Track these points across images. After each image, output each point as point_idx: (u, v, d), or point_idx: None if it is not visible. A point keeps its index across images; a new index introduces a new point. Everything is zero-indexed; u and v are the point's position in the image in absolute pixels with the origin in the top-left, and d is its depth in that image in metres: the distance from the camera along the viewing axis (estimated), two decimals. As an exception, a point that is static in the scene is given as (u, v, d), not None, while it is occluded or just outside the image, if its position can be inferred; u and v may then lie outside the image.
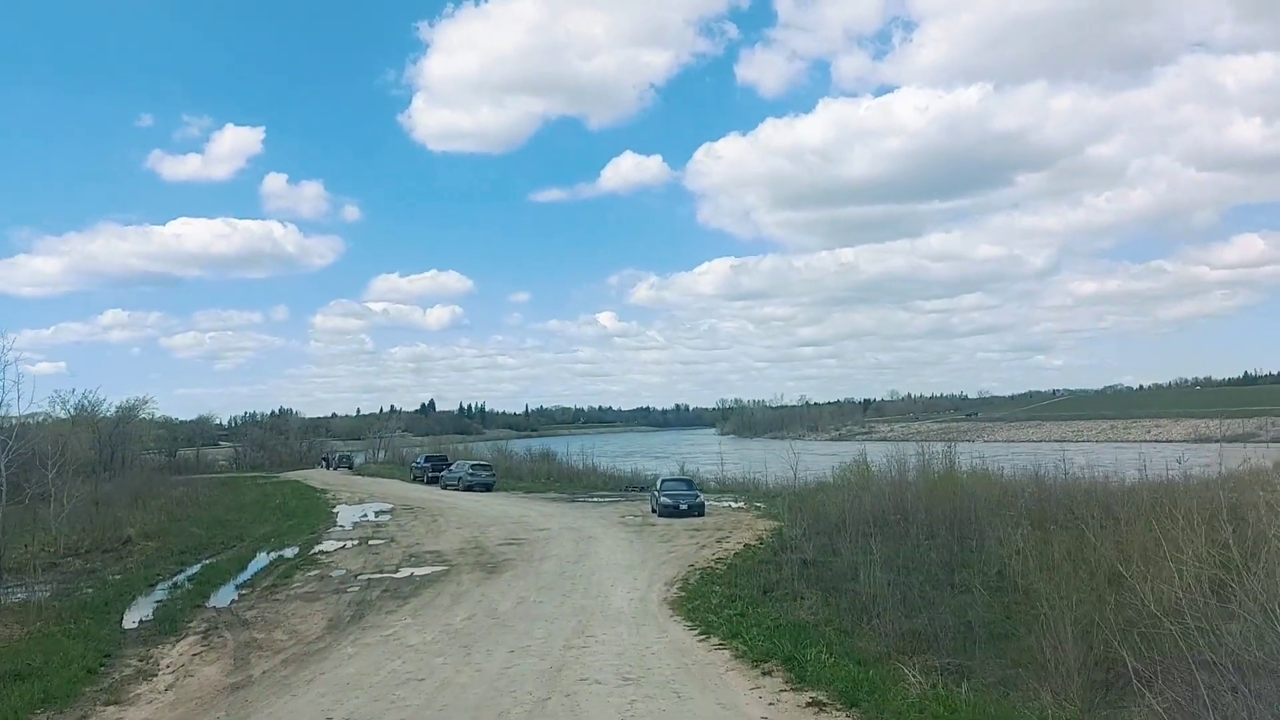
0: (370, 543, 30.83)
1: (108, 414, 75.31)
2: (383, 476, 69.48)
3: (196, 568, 26.72)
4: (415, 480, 60.85)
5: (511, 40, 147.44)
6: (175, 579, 24.89)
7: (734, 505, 39.88)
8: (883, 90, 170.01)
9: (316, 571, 25.25)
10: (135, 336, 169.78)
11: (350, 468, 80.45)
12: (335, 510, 42.63)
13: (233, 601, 21.60)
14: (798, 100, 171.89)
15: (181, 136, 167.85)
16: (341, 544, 30.91)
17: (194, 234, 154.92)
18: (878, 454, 41.00)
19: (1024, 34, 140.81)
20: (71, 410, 71.45)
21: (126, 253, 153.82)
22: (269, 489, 55.31)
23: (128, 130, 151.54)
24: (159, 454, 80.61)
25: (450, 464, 56.53)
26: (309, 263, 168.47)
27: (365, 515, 40.04)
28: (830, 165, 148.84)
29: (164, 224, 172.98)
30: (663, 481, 38.48)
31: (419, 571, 24.73)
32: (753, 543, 27.87)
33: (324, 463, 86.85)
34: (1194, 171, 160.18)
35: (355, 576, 24.19)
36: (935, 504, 26.08)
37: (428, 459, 61.80)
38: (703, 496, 37.51)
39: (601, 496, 47.55)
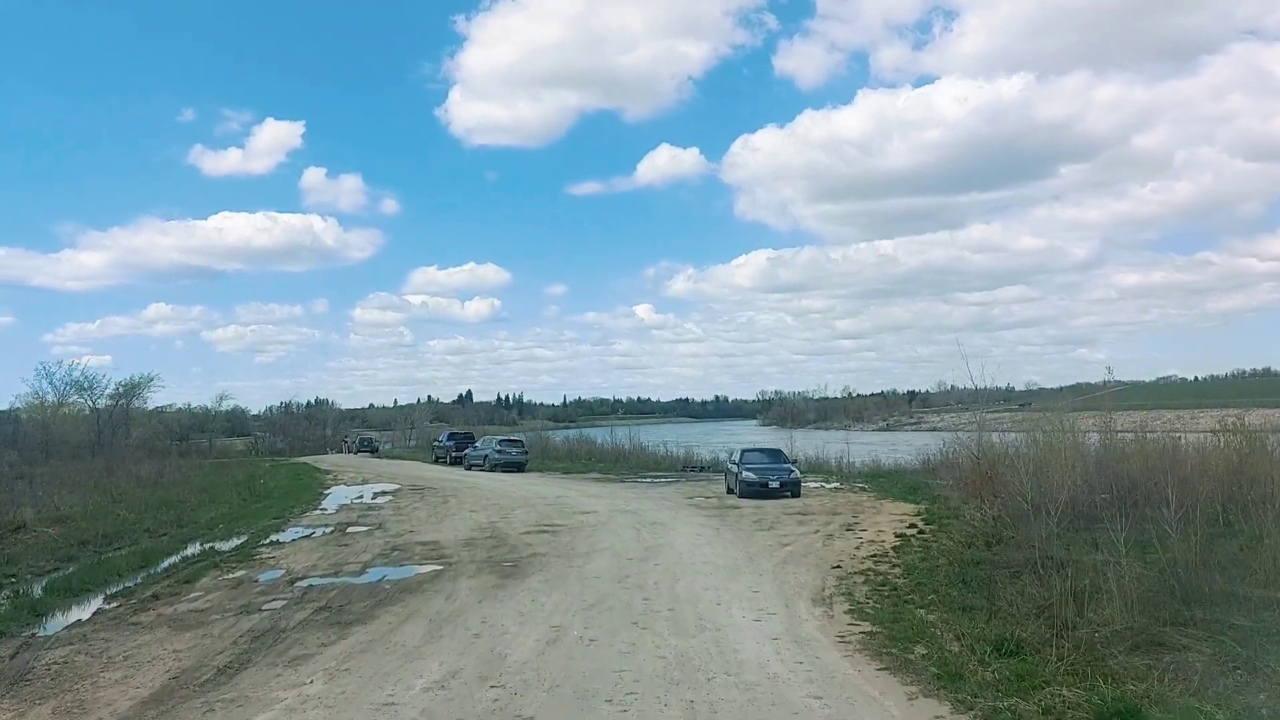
0: (349, 530, 21.22)
1: (106, 395, 66.66)
2: (406, 459, 59.86)
3: (81, 564, 17.38)
4: (438, 461, 51.29)
5: (548, 33, 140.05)
6: (35, 583, 15.57)
7: (828, 486, 29.91)
8: (922, 81, 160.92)
9: (241, 573, 15.71)
10: (178, 330, 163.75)
11: (373, 451, 71.00)
12: (327, 491, 33.06)
13: (73, 625, 12.31)
14: (836, 92, 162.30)
15: (222, 131, 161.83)
16: (309, 532, 21.34)
17: (235, 228, 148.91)
18: (946, 442, 32.10)
19: (1066, 23, 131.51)
20: (57, 392, 62.79)
21: (169, 247, 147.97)
22: (265, 470, 45.91)
23: (170, 126, 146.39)
24: (167, 439, 71.62)
25: (476, 442, 46.71)
26: (348, 256, 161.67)
27: (360, 497, 30.45)
28: (869, 157, 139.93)
29: (205, 218, 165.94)
30: (744, 453, 28.45)
31: (395, 573, 15.07)
32: (905, 530, 17.94)
33: (344, 446, 77.46)
34: (1241, 162, 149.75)
35: (292, 583, 14.54)
36: (1191, 479, 16.00)
37: (450, 436, 51.95)
38: (798, 472, 27.45)
39: (655, 477, 37.66)
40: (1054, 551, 12.17)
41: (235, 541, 20.25)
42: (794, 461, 28.17)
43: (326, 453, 75.71)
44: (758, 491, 26.12)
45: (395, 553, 17.48)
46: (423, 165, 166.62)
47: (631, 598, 12.16)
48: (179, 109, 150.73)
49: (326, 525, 22.49)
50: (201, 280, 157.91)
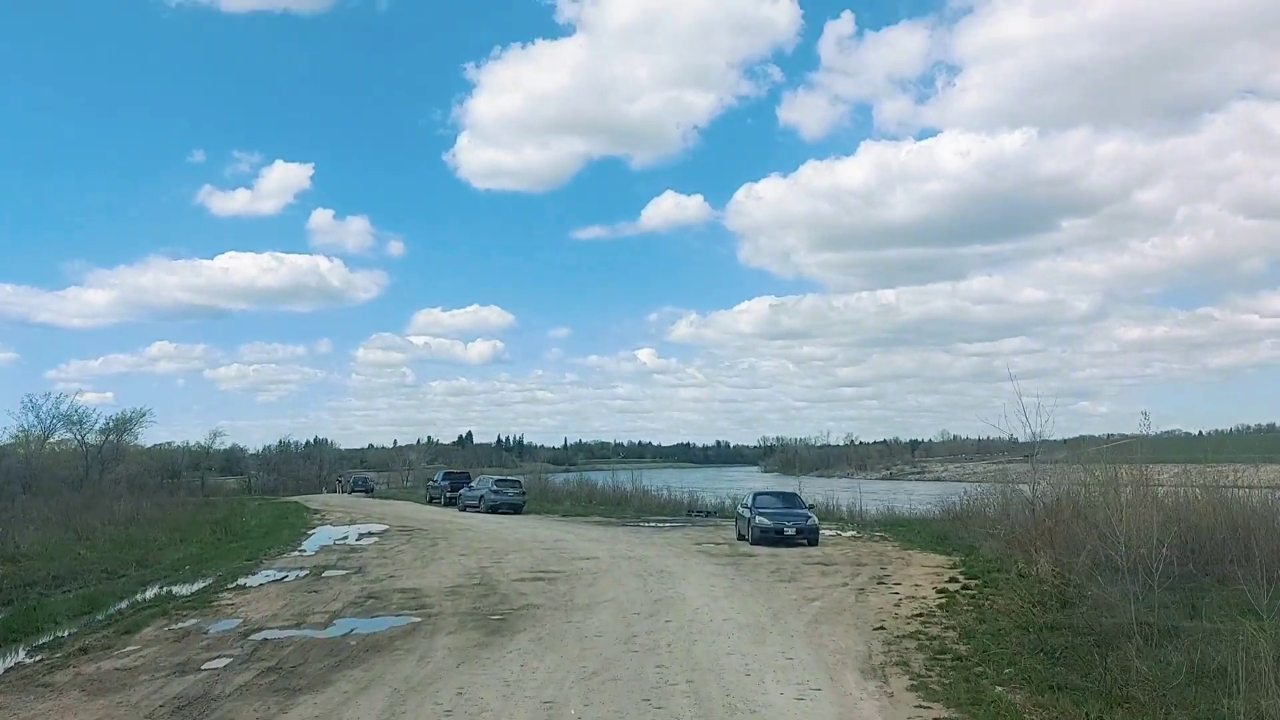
0: (324, 575, 19.08)
1: (95, 430, 64.46)
2: (400, 500, 57.55)
3: (15, 609, 15.38)
4: (432, 501, 48.97)
5: (557, 82, 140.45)
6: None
7: (844, 533, 27.74)
8: (925, 134, 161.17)
9: (191, 622, 13.64)
10: (181, 368, 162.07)
11: (367, 491, 68.58)
12: (311, 531, 30.91)
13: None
14: (839, 143, 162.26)
15: (232, 172, 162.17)
16: (281, 575, 19.22)
17: (241, 268, 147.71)
18: (959, 492, 31.99)
19: (1068, 80, 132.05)
20: (43, 425, 60.54)
21: (175, 285, 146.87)
22: (251, 508, 43.68)
23: (181, 166, 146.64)
24: (158, 476, 69.32)
25: (471, 482, 44.39)
26: (353, 296, 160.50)
27: (345, 538, 28.28)
28: (871, 207, 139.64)
29: (212, 258, 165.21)
30: (756, 496, 26.26)
31: (365, 626, 12.94)
32: (945, 585, 15.81)
33: (338, 486, 75.07)
34: (1243, 219, 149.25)
35: (245, 635, 12.42)
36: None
37: (446, 476, 49.60)
38: (815, 518, 25.27)
39: (660, 521, 35.46)
40: (1152, 617, 10.03)
41: (198, 585, 18.18)
42: (810, 506, 25.99)
43: (321, 492, 73.48)
44: (773, 538, 23.94)
45: (370, 601, 15.34)
46: (430, 208, 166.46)
47: (642, 664, 10.03)
48: (190, 150, 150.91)
49: (301, 568, 20.33)
50: (206, 319, 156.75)
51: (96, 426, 64.44)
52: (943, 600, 14.29)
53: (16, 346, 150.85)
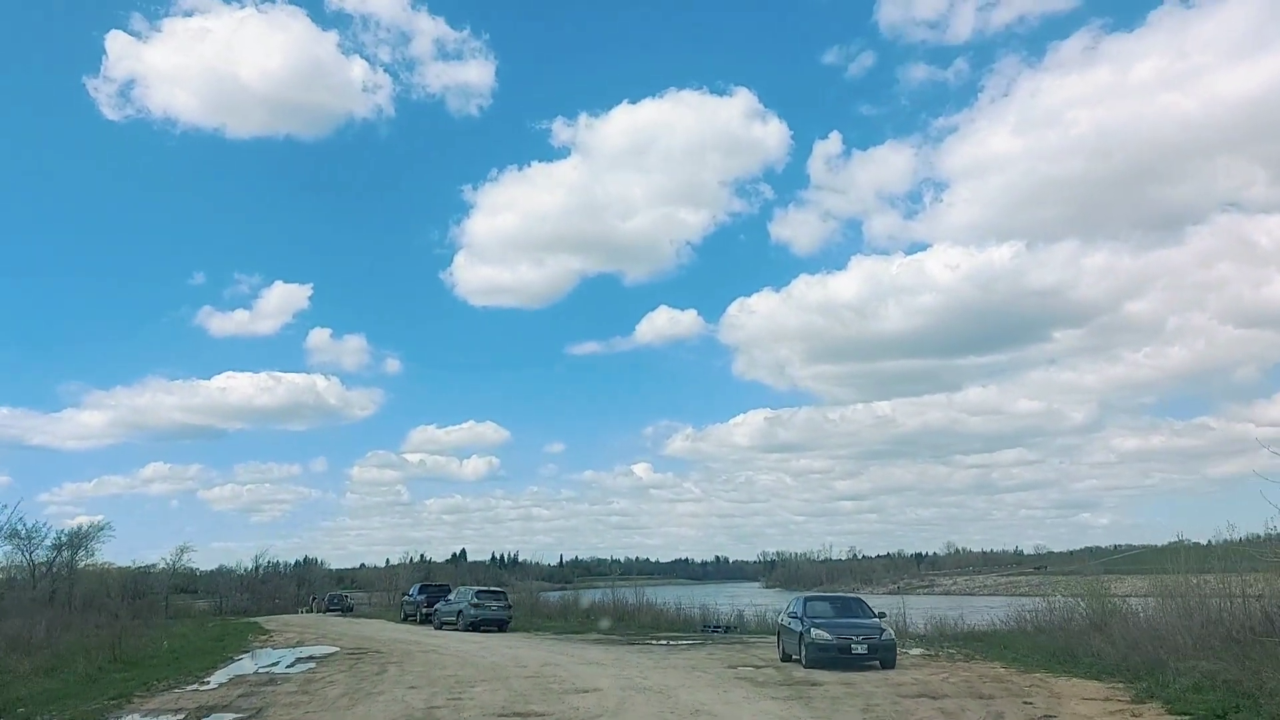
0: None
1: (43, 547, 57.03)
2: (379, 619, 50.10)
3: None
4: (406, 619, 41.79)
5: (552, 201, 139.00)
6: None
7: (911, 651, 21.04)
8: (915, 248, 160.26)
9: None
10: (174, 489, 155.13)
11: (343, 610, 60.98)
12: (238, 657, 24.07)
13: None
14: (830, 257, 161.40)
15: (232, 293, 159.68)
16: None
17: (238, 387, 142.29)
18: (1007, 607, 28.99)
19: (1053, 195, 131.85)
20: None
21: (171, 406, 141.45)
22: (191, 629, 36.45)
23: (181, 287, 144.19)
24: (119, 597, 61.74)
25: (450, 595, 37.39)
26: (350, 414, 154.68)
27: (275, 664, 21.56)
28: (864, 320, 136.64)
29: (210, 378, 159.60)
30: (807, 603, 19.56)
31: None
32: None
33: (314, 605, 67.26)
34: (1232, 328, 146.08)
35: None
36: None
37: (422, 589, 42.29)
38: (891, 631, 18.65)
39: (672, 638, 28.60)
40: None
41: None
42: (880, 615, 19.38)
43: (298, 612, 65.83)
44: (835, 659, 17.38)
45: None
46: (426, 326, 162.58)
47: None
48: (191, 272, 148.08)
49: (177, 712, 13.68)
50: (202, 440, 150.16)
51: (45, 542, 57.09)
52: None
53: (10, 469, 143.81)
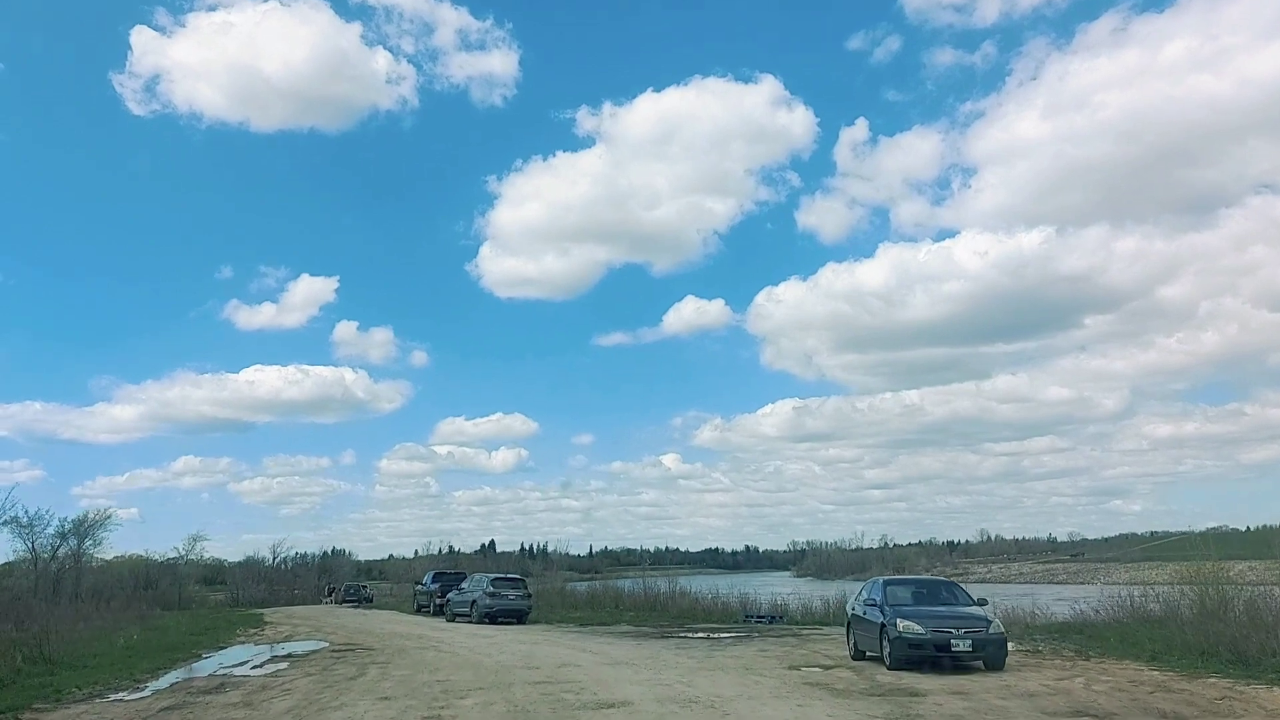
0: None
1: (51, 536, 53.83)
2: (394, 610, 46.36)
3: None
4: (420, 610, 38.02)
5: (577, 192, 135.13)
6: None
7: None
8: (943, 235, 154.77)
9: None
10: (206, 482, 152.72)
11: (360, 601, 57.28)
12: (207, 655, 20.37)
13: None
14: (858, 245, 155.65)
15: (258, 287, 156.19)
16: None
17: (267, 381, 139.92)
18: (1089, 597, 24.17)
19: (1083, 179, 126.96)
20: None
21: (200, 400, 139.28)
22: (176, 623, 32.79)
23: (209, 282, 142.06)
24: (128, 588, 58.54)
25: (463, 583, 33.53)
26: (377, 407, 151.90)
27: (242, 664, 17.92)
28: (892, 308, 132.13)
29: (238, 372, 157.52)
30: (887, 587, 15.53)
31: None
32: None
33: (330, 596, 63.73)
34: (1266, 313, 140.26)
35: None
36: None
37: (436, 577, 38.17)
38: (1000, 622, 14.50)
39: (711, 630, 24.61)
40: None
41: None
42: (980, 602, 15.28)
43: (321, 603, 62.42)
44: (930, 657, 13.38)
45: None
46: (453, 318, 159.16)
47: None
48: (219, 266, 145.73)
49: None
50: (231, 433, 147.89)
51: (48, 530, 53.89)
52: None
53: (44, 463, 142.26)
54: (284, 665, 17.03)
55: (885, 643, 14.02)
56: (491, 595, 29.20)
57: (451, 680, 13.46)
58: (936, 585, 16.17)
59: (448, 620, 31.10)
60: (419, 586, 40.91)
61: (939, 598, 15.19)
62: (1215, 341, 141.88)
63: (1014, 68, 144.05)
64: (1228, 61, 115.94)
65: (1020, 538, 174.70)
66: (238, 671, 16.43)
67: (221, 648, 22.11)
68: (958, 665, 13.66)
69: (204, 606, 60.96)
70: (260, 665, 17.40)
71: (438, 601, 34.79)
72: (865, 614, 15.29)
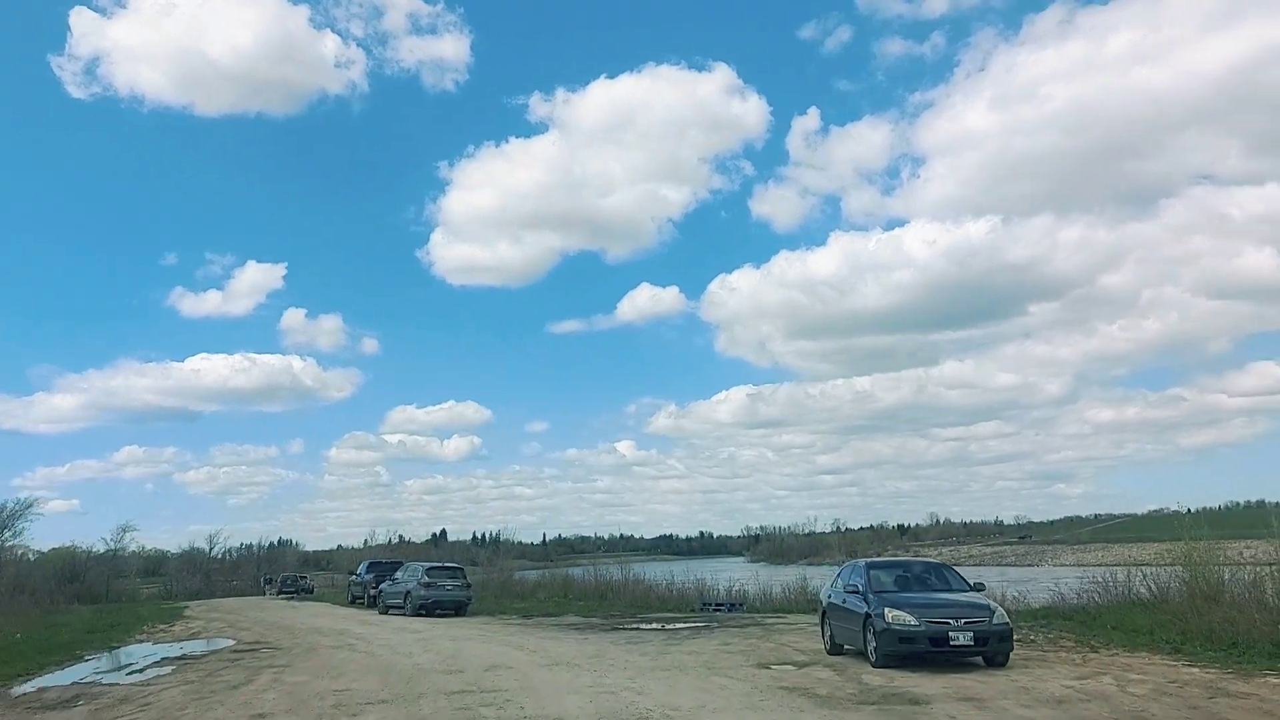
0: None
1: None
2: (331, 601, 43.49)
3: None
4: (354, 601, 35.38)
5: (531, 178, 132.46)
6: None
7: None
8: (892, 224, 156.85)
9: None
10: (150, 472, 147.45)
11: (297, 593, 54.28)
12: (91, 656, 17.67)
13: None
14: (810, 234, 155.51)
15: (204, 274, 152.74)
16: None
17: (213, 369, 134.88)
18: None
19: (1028, 170, 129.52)
20: None
21: (144, 389, 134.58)
22: (78, 619, 29.57)
23: (153, 269, 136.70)
24: (52, 579, 54.91)
25: (397, 573, 30.96)
26: (327, 396, 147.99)
27: (125, 668, 15.23)
28: (843, 296, 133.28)
29: (183, 360, 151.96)
30: (870, 571, 13.30)
31: None
32: None
33: (268, 588, 60.56)
34: (1205, 300, 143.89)
35: None
36: None
37: (371, 567, 35.34)
38: (1002, 610, 12.32)
39: (666, 621, 22.36)
40: None
41: None
42: (977, 587, 13.20)
43: (263, 593, 59.26)
44: (925, 653, 11.23)
45: None
46: (404, 305, 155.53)
47: None
48: (163, 253, 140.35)
49: None
50: (176, 422, 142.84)
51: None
52: None
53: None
54: (167, 670, 14.40)
55: (870, 636, 11.82)
56: (427, 586, 26.64)
57: (351, 690, 11.01)
58: (926, 568, 13.97)
59: (380, 613, 28.52)
60: (353, 577, 38.25)
61: (930, 583, 13.02)
62: (1156, 329, 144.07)
63: (962, 59, 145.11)
64: (1170, 53, 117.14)
65: (968, 521, 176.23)
66: (107, 679, 13.81)
67: (114, 648, 19.38)
68: (955, 662, 11.54)
69: (134, 600, 57.53)
70: (142, 670, 14.76)
71: (371, 593, 32.16)
72: (845, 602, 13.06)
